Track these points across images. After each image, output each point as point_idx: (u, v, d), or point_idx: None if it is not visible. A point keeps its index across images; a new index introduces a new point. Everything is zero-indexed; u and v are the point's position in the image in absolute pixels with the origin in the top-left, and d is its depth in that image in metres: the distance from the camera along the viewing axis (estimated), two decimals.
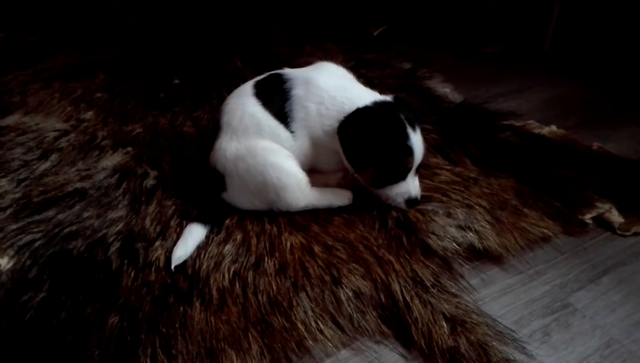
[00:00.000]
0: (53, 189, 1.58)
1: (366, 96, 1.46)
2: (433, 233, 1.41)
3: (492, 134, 1.89)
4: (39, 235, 1.42)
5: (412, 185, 1.43)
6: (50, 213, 1.49)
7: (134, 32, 2.68)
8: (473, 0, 2.63)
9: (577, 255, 1.48)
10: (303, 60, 2.41)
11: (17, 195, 1.56)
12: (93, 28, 2.76)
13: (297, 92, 1.47)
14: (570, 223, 1.54)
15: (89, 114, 1.95)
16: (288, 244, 1.36)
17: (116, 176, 1.61)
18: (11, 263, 1.34)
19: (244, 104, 1.46)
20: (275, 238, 1.38)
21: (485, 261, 1.44)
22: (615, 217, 1.57)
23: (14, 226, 1.45)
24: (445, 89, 2.23)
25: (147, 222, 1.45)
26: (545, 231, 1.50)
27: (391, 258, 1.35)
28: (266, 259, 1.32)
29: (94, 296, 1.25)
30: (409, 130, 1.38)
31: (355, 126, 1.39)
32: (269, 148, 1.42)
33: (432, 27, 2.86)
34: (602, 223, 1.57)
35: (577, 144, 1.91)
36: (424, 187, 1.56)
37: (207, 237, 1.39)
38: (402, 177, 1.42)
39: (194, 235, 1.37)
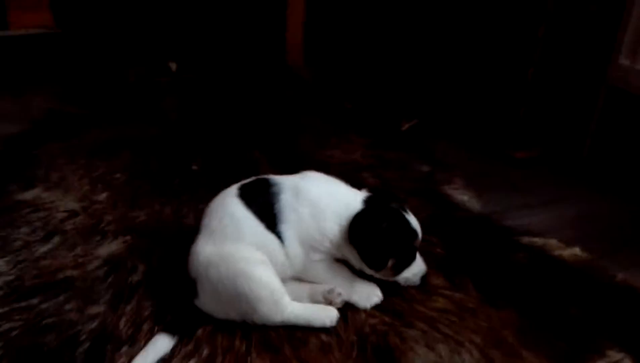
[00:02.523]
0: (46, 274, 1.59)
1: (353, 196, 1.52)
2: None
3: (504, 254, 1.77)
4: (19, 323, 1.42)
5: (420, 262, 1.54)
6: (35, 300, 1.50)
7: (171, 110, 2.79)
8: (505, 103, 2.56)
9: None
10: (325, 152, 2.41)
11: (11, 277, 1.58)
12: (136, 102, 2.89)
13: (286, 196, 1.48)
14: None
15: (102, 196, 2.00)
16: None
17: (105, 268, 1.61)
18: None
19: (226, 205, 1.47)
20: (241, 358, 1.31)
21: None
22: None
23: None
24: (464, 196, 2.14)
25: (122, 322, 1.42)
26: None
27: None
28: None
29: None
30: (406, 215, 1.49)
31: (364, 230, 1.44)
32: (241, 255, 1.38)
33: (462, 125, 2.79)
34: None
35: (599, 273, 1.75)
36: (414, 315, 1.47)
37: (175, 347, 1.35)
38: (414, 258, 1.51)
39: (157, 348, 1.32)
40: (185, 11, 3.62)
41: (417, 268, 1.54)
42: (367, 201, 1.51)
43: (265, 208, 1.46)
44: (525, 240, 1.89)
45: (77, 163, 2.23)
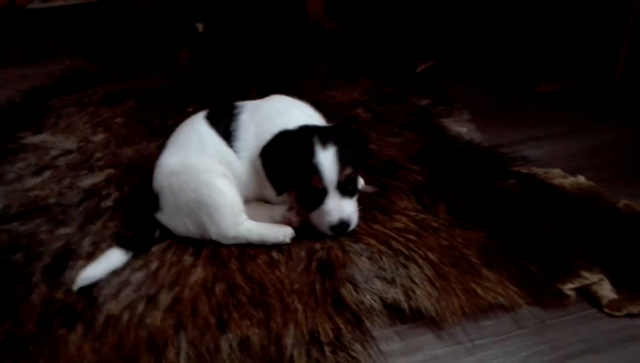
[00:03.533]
0: (31, 203, 1.68)
1: (297, 122, 1.44)
2: (350, 282, 1.24)
3: (490, 180, 1.65)
4: None
5: (334, 209, 1.36)
6: (15, 224, 1.59)
7: (183, 62, 2.82)
8: (520, 36, 2.36)
9: (538, 331, 1.21)
10: (325, 93, 2.35)
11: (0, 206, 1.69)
12: (153, 57, 2.95)
13: (244, 116, 1.51)
14: (543, 292, 1.27)
15: (99, 137, 2.07)
16: (193, 279, 1.29)
17: (81, 195, 1.67)
18: None
19: (192, 123, 1.54)
20: (185, 270, 1.32)
21: (417, 325, 1.23)
22: (606, 291, 1.26)
23: None
24: (461, 129, 2.01)
25: (86, 241, 1.48)
26: (502, 299, 1.24)
27: (298, 306, 1.21)
28: (164, 292, 1.26)
29: (4, 307, 1.28)
30: (317, 149, 1.33)
31: (268, 147, 1.42)
32: (203, 167, 1.41)
33: (482, 64, 2.61)
34: (588, 297, 1.28)
35: (599, 200, 1.59)
36: (368, 233, 1.40)
37: (127, 262, 1.38)
38: (319, 199, 1.36)
39: (109, 260, 1.35)
40: None
41: (325, 213, 1.36)
42: (299, 128, 1.43)
43: (226, 126, 1.49)
44: (524, 169, 1.75)
45: (85, 111, 2.31)
